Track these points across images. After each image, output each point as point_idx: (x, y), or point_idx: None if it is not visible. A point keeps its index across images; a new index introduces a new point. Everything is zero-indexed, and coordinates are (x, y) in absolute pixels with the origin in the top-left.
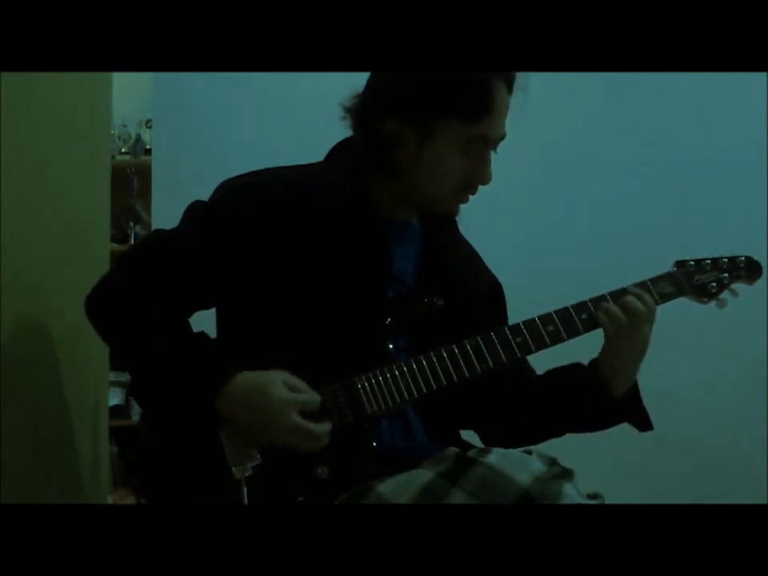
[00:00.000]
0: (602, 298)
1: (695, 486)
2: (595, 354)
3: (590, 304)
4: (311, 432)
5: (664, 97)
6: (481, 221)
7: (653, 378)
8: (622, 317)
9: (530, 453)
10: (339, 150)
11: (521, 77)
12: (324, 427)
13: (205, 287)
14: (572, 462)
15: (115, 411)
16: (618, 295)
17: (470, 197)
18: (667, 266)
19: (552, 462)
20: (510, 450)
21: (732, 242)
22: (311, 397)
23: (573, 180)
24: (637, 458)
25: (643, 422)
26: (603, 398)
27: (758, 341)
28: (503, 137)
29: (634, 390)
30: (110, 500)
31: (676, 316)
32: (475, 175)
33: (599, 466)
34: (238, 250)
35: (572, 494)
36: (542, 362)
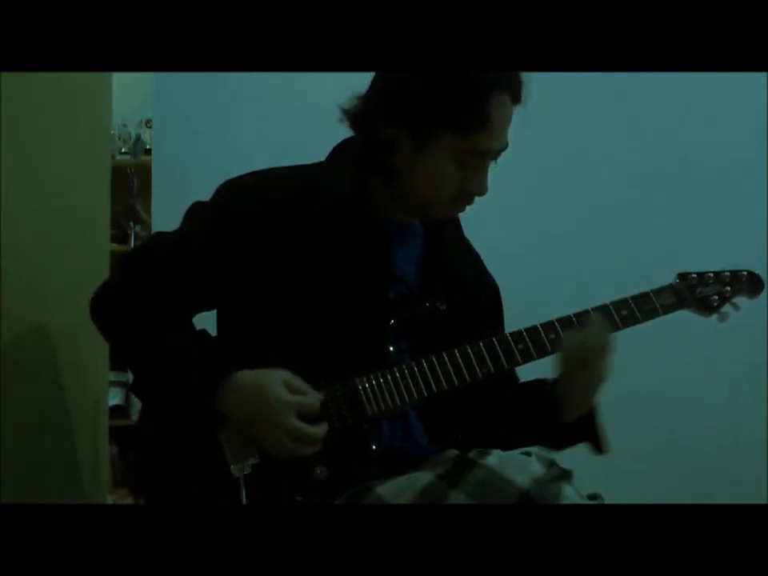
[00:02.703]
0: (567, 319)
1: (695, 487)
2: None
3: (598, 311)
4: (307, 435)
5: (665, 97)
6: (482, 222)
7: (653, 380)
8: (576, 351)
9: (529, 454)
10: (340, 151)
11: (527, 87)
12: (320, 430)
13: (207, 287)
14: (571, 463)
15: (115, 411)
16: (582, 318)
17: (467, 206)
18: (667, 267)
19: (551, 463)
20: (510, 452)
21: (732, 244)
22: (310, 399)
23: (573, 181)
24: (637, 459)
25: (598, 446)
26: (555, 420)
27: (758, 343)
28: (504, 148)
29: (592, 414)
30: (109, 500)
31: (675, 320)
32: (471, 186)
33: (599, 467)
34: (239, 250)
35: (571, 495)
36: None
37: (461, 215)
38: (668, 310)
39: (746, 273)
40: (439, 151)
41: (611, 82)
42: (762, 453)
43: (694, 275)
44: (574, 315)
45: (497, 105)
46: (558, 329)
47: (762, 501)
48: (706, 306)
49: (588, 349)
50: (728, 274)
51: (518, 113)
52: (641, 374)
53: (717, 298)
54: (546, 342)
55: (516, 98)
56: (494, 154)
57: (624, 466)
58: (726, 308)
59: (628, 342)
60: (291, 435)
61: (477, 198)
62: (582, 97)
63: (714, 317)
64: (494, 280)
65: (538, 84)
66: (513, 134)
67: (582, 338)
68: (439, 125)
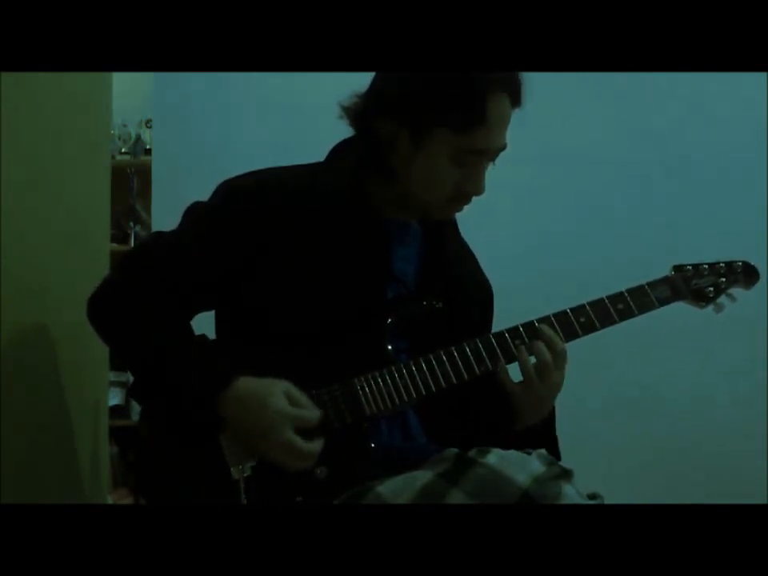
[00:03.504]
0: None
1: (695, 487)
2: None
3: (588, 307)
4: (301, 450)
5: (664, 97)
6: (481, 222)
7: (653, 379)
8: (530, 367)
9: (529, 453)
10: (340, 151)
11: (526, 90)
12: (315, 446)
13: (205, 288)
14: (571, 462)
15: (115, 411)
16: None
17: (465, 206)
18: (667, 267)
19: (551, 462)
20: (510, 451)
21: (732, 243)
22: (310, 413)
23: (572, 181)
24: (637, 458)
25: (554, 454)
26: (507, 425)
27: (758, 343)
28: (501, 148)
29: (547, 423)
30: (109, 500)
31: (675, 320)
32: (467, 185)
33: (599, 466)
34: (238, 250)
35: (572, 494)
36: None
37: (460, 216)
38: (664, 302)
39: (740, 263)
40: (437, 149)
41: (611, 81)
42: (762, 453)
43: (689, 267)
44: (570, 310)
45: (495, 102)
46: (555, 323)
47: (762, 501)
48: (701, 298)
49: (544, 360)
50: (723, 265)
51: (514, 112)
52: (641, 374)
53: (712, 289)
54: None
55: (515, 99)
56: (492, 154)
57: (624, 466)
58: (722, 299)
59: (628, 342)
60: (286, 449)
61: (477, 198)
62: (582, 97)
63: (710, 308)
64: (488, 281)
65: (539, 84)
66: (512, 133)
67: (541, 348)
68: (437, 122)
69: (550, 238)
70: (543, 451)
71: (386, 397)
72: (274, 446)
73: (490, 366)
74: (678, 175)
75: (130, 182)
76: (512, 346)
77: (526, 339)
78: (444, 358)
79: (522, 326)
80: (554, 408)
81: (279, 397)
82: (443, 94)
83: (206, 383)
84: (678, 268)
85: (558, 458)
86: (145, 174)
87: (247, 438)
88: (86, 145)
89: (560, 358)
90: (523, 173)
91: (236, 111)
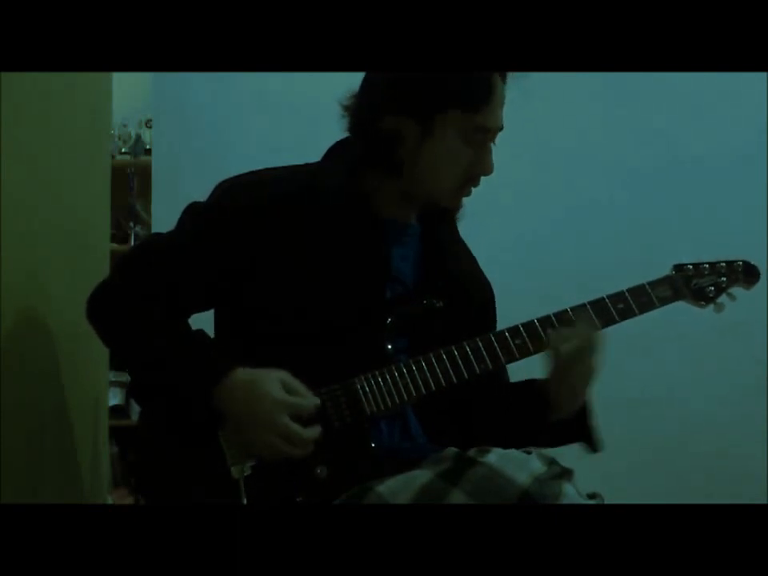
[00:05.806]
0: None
1: (695, 486)
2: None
3: (589, 307)
4: (298, 436)
5: (664, 97)
6: (480, 222)
7: (653, 379)
8: (565, 348)
9: (529, 452)
10: (337, 150)
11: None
12: (312, 433)
13: (203, 288)
14: (570, 461)
15: (115, 411)
16: (572, 314)
17: (473, 189)
18: (667, 267)
19: (551, 461)
20: (510, 450)
21: (732, 243)
22: (306, 402)
23: (571, 180)
24: (637, 458)
25: (591, 445)
26: (545, 418)
27: (758, 342)
28: (501, 128)
29: (584, 413)
30: (109, 500)
31: (675, 319)
32: (478, 166)
33: (599, 466)
34: (236, 250)
35: (571, 493)
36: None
37: (458, 216)
38: (664, 302)
39: (741, 263)
40: (446, 132)
41: (611, 81)
42: (762, 453)
43: (690, 266)
44: (571, 309)
45: (496, 80)
46: (555, 323)
47: (762, 501)
48: (702, 297)
49: (577, 346)
50: (723, 264)
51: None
52: (641, 374)
53: (713, 288)
54: (543, 337)
55: (504, 79)
56: (495, 133)
57: (624, 466)
58: (722, 299)
59: (628, 342)
60: (282, 435)
61: (476, 198)
62: (582, 97)
63: (711, 308)
64: (487, 279)
65: (539, 84)
66: (513, 133)
67: (571, 334)
68: (446, 103)
69: (549, 237)
70: (543, 451)
71: (386, 396)
72: (269, 432)
73: (490, 365)
74: (678, 175)
75: (130, 181)
76: (513, 346)
77: (527, 338)
78: (444, 357)
79: (523, 325)
80: (589, 399)
81: (275, 384)
82: (450, 77)
83: (202, 377)
84: (678, 267)
85: (596, 448)
86: (145, 174)
87: (244, 428)
88: (86, 145)
89: (587, 343)
90: (523, 173)
91: (236, 111)
